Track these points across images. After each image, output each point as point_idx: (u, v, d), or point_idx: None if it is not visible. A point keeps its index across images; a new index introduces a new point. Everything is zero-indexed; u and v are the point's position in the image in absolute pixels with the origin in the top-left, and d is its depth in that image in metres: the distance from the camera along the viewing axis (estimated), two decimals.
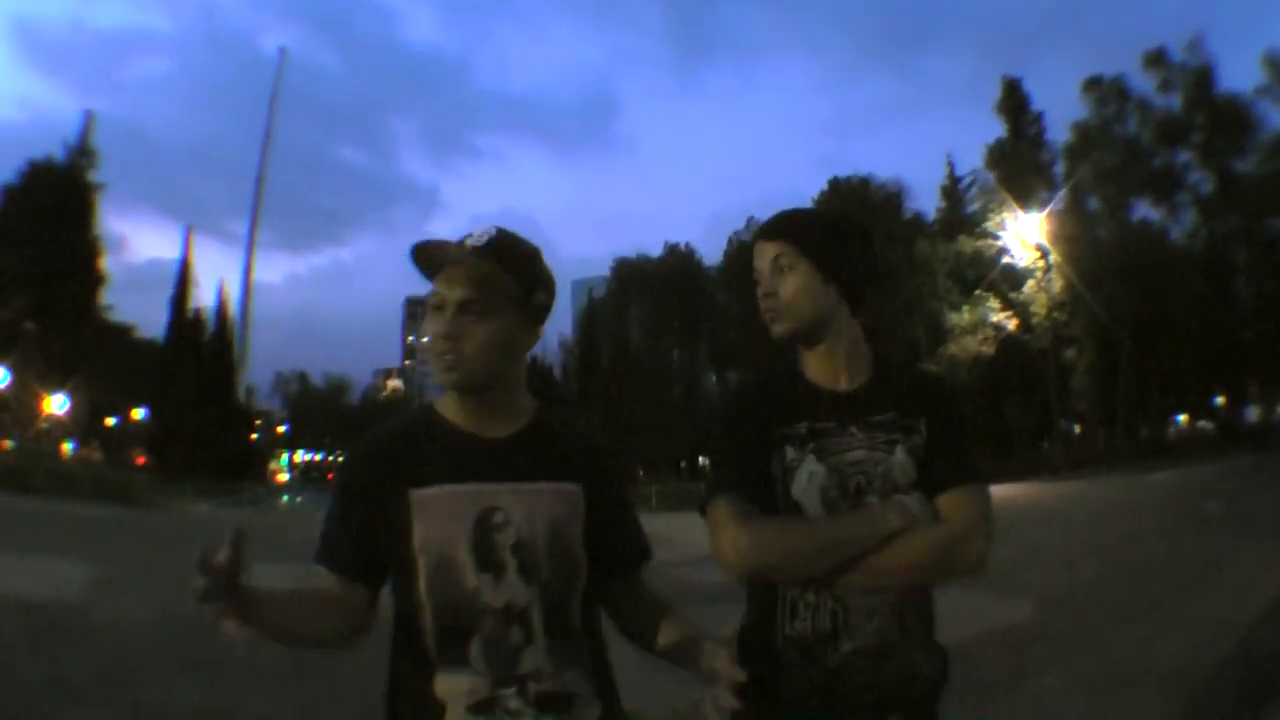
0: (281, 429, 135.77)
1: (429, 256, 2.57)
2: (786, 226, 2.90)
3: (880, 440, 2.76)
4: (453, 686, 2.43)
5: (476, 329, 2.51)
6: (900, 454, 2.75)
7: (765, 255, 2.86)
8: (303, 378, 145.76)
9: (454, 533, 2.45)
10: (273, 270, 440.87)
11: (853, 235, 2.89)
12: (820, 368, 2.86)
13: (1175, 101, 68.91)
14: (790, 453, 2.73)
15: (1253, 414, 53.03)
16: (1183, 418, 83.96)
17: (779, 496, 2.70)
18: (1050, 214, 67.26)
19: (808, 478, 2.70)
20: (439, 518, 2.46)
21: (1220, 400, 75.75)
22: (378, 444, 2.63)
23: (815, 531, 2.60)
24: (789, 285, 2.82)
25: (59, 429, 75.48)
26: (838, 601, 2.63)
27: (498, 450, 2.59)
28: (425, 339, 2.74)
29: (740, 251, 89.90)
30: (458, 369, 2.52)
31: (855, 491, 2.69)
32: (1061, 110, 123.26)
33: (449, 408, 2.65)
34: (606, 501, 2.72)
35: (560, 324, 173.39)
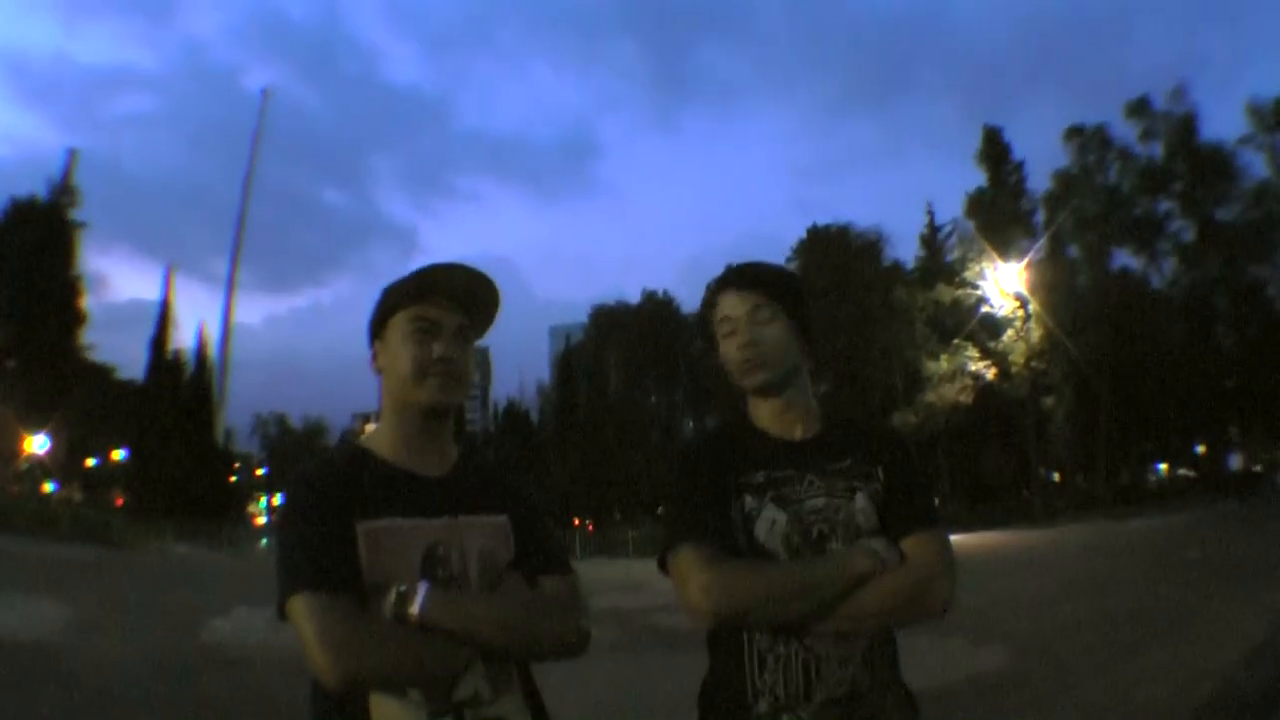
0: (260, 471, 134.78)
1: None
2: (764, 279, 2.96)
3: (839, 487, 2.79)
4: (389, 715, 2.39)
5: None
6: (861, 500, 2.78)
7: (743, 304, 2.90)
8: (282, 420, 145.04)
9: (403, 565, 2.46)
10: (252, 311, 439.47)
11: (809, 293, 2.95)
12: (776, 418, 2.91)
13: (1157, 150, 69.27)
14: (749, 501, 2.74)
15: (1236, 461, 53.12)
16: (1163, 466, 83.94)
17: (741, 545, 2.69)
18: (1030, 263, 67.39)
19: (769, 526, 2.71)
20: (388, 550, 2.46)
21: (1201, 448, 75.75)
22: (319, 474, 2.59)
23: (787, 576, 2.60)
24: (770, 336, 2.86)
25: (40, 469, 75.15)
26: (809, 652, 2.62)
27: (436, 487, 2.63)
28: None
29: None
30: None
31: (818, 538, 2.71)
32: (1043, 159, 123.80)
33: (381, 445, 2.68)
34: (531, 529, 2.76)
35: (538, 369, 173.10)
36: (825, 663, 2.62)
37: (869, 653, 2.67)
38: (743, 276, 2.99)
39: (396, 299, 2.69)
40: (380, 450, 2.66)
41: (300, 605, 2.30)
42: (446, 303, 2.68)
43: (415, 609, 2.32)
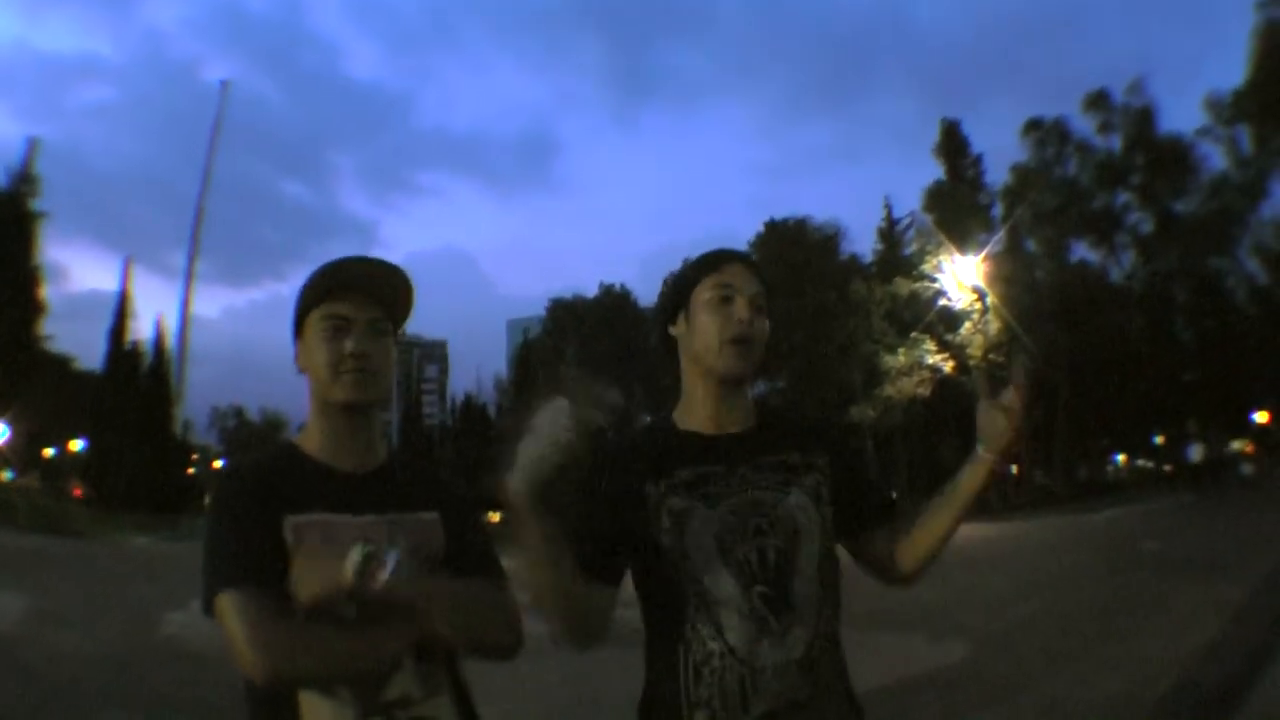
0: (218, 464, 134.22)
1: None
2: (762, 273, 2.92)
3: (774, 481, 2.76)
4: (319, 714, 2.37)
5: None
6: (796, 494, 2.75)
7: (750, 284, 2.84)
8: (239, 413, 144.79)
9: (331, 562, 2.39)
10: (211, 303, 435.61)
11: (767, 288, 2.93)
12: (712, 413, 2.86)
13: (1116, 143, 69.52)
14: (677, 502, 2.70)
15: (1195, 453, 53.31)
16: (1121, 457, 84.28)
17: (671, 547, 2.68)
18: (988, 256, 67.48)
19: (700, 524, 2.67)
20: (317, 546, 2.44)
21: (1160, 439, 76.06)
22: (246, 470, 2.63)
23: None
24: (763, 328, 2.83)
25: None
26: (744, 664, 2.59)
27: (365, 483, 2.62)
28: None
29: None
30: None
31: (755, 532, 2.67)
32: (1002, 153, 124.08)
33: (310, 443, 2.68)
34: (464, 528, 2.76)
35: (495, 363, 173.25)
36: (760, 674, 2.59)
37: (808, 660, 2.64)
38: (750, 259, 2.96)
39: (310, 298, 2.67)
40: (309, 448, 2.65)
41: (227, 603, 2.29)
42: (358, 298, 2.66)
43: (385, 574, 2.29)
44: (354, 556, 2.30)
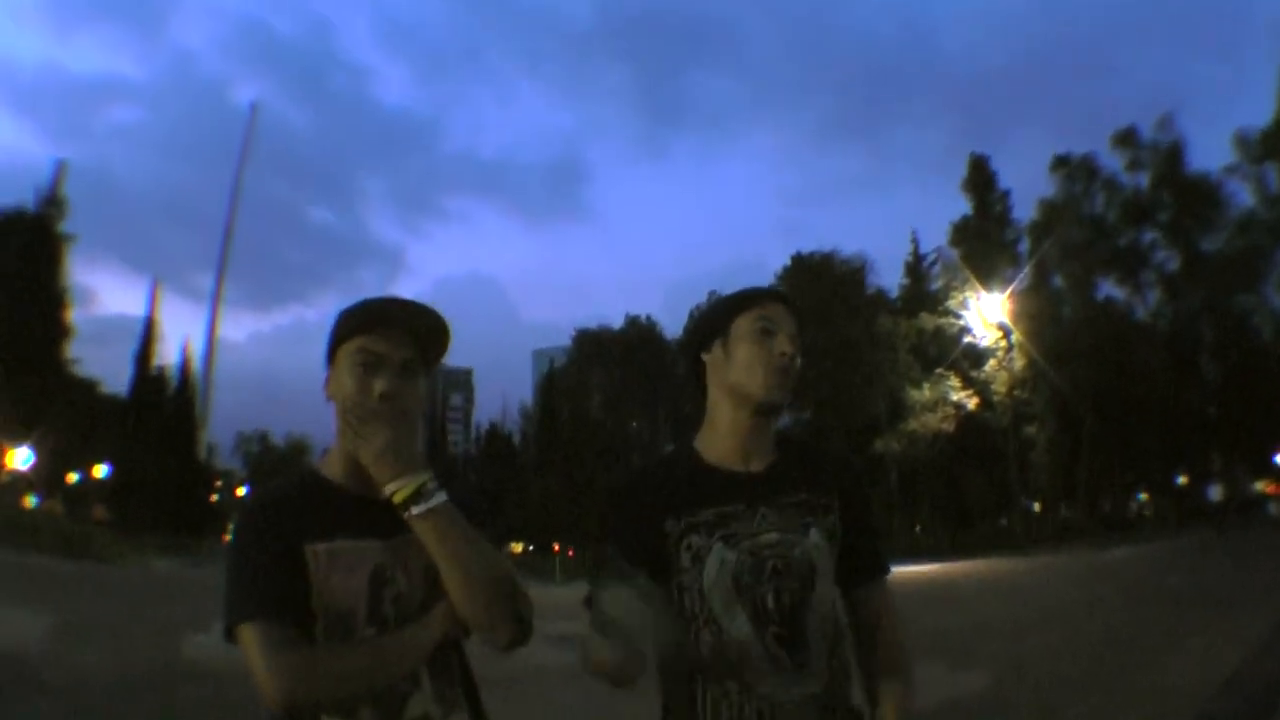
0: (242, 489, 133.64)
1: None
2: (798, 315, 2.95)
3: (794, 521, 2.74)
4: None
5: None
6: (815, 535, 2.74)
7: (790, 323, 2.88)
8: (264, 438, 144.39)
9: (351, 586, 2.46)
10: (237, 328, 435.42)
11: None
12: (735, 449, 2.86)
13: (1144, 180, 69.47)
14: (697, 541, 2.69)
15: (1216, 492, 52.67)
16: (1144, 495, 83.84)
17: (689, 586, 2.69)
18: (1013, 292, 67.46)
19: (719, 565, 2.66)
20: (337, 572, 2.47)
21: (1183, 478, 75.63)
22: (269, 500, 2.60)
23: None
24: (798, 364, 2.85)
25: (22, 482, 74.68)
26: (762, 700, 2.59)
27: (388, 507, 2.52)
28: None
29: None
30: None
31: (772, 574, 2.66)
32: (1029, 188, 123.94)
33: (333, 469, 2.65)
34: None
35: (521, 391, 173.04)
36: (780, 710, 2.60)
37: (826, 694, 2.67)
38: (789, 299, 2.98)
39: (346, 329, 2.64)
40: (332, 474, 2.65)
41: (247, 633, 2.34)
42: (394, 335, 2.62)
43: (430, 503, 2.42)
44: (410, 481, 2.43)
